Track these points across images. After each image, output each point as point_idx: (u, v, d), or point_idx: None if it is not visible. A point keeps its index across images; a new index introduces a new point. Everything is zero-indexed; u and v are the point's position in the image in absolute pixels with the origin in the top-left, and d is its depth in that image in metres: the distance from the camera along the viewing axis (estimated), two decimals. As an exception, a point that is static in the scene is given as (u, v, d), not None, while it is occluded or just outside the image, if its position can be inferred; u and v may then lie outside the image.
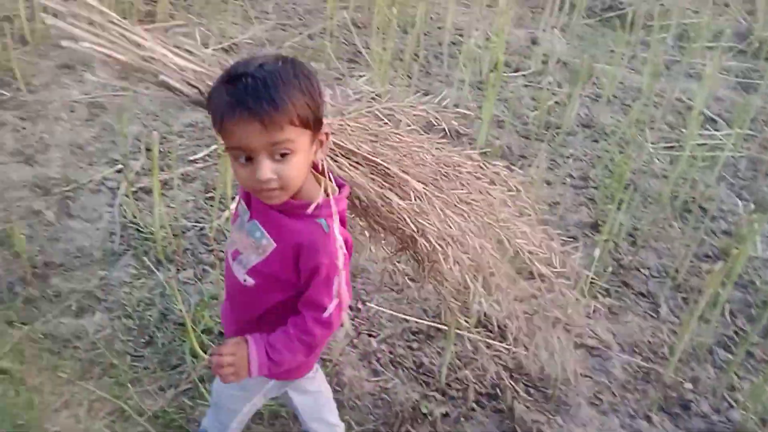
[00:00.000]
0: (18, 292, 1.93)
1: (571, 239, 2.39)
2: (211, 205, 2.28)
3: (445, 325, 1.96)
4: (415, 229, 1.35)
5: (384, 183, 1.36)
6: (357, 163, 1.34)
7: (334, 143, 1.29)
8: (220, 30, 3.37)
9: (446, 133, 1.54)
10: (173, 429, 1.63)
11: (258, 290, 1.17)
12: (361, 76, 3.16)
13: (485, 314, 1.91)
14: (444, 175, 1.45)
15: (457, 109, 1.79)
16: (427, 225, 1.36)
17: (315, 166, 1.14)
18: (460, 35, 3.70)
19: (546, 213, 2.40)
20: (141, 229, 2.19)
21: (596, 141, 2.97)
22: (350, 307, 2.02)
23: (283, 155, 1.01)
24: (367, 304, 2.05)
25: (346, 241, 1.13)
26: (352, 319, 2.00)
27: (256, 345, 1.12)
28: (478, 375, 1.85)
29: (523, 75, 3.40)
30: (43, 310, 1.88)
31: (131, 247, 2.13)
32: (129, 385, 1.70)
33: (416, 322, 1.98)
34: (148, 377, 1.74)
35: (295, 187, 1.06)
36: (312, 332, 1.12)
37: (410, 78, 3.17)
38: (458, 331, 1.85)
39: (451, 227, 1.38)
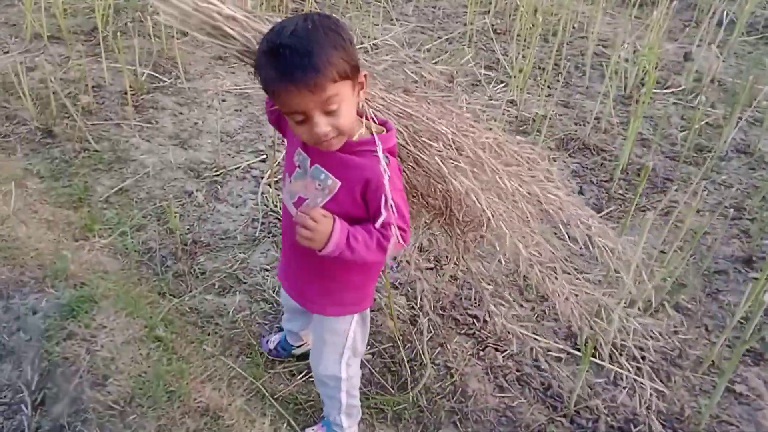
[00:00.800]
0: (170, 266, 2.08)
1: (720, 273, 2.21)
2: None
3: (578, 349, 1.88)
4: (447, 171, 1.35)
5: (413, 126, 1.39)
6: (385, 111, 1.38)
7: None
8: (362, 30, 3.45)
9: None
10: (300, 415, 1.68)
11: None
12: (498, 83, 3.11)
13: (622, 344, 1.81)
14: (473, 121, 1.47)
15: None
16: (459, 165, 1.37)
17: (358, 113, 1.23)
18: (604, 46, 3.55)
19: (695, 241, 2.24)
20: (280, 218, 2.28)
21: (753, 169, 2.73)
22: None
23: (334, 108, 1.11)
24: (494, 317, 2.00)
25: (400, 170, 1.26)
26: (479, 330, 1.97)
27: (340, 227, 1.19)
28: (611, 407, 1.75)
29: (673, 92, 3.19)
30: (190, 285, 2.02)
31: (270, 235, 2.23)
32: (263, 366, 1.78)
33: (546, 342, 1.92)
34: (281, 362, 1.81)
35: (350, 130, 1.18)
36: (390, 238, 1.21)
37: (550, 88, 3.08)
38: (592, 359, 1.77)
39: (484, 167, 1.38)
